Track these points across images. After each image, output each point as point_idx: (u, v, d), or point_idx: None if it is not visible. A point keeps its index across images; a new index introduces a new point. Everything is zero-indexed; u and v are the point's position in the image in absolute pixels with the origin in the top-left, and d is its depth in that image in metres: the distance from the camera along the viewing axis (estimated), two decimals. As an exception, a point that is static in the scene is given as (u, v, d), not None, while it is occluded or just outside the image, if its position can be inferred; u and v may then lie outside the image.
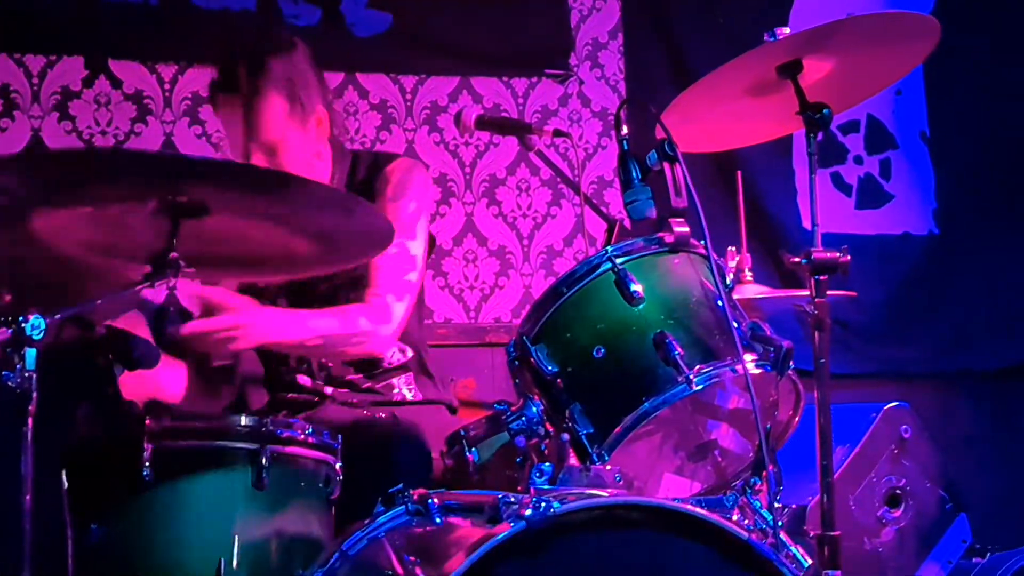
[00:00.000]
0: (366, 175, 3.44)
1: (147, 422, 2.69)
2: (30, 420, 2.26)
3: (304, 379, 3.41)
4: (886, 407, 4.10)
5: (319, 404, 3.36)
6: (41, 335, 2.28)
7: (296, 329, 3.15)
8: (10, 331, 2.26)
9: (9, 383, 2.26)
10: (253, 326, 3.01)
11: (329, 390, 3.40)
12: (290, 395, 3.40)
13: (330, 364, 3.40)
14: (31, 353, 2.26)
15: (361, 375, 3.41)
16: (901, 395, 4.23)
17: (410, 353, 3.46)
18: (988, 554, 4.26)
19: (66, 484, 2.58)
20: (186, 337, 2.87)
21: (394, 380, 3.45)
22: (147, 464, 2.67)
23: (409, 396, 3.45)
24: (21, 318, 2.26)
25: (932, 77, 4.87)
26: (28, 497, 2.27)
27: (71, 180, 2.44)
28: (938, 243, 4.91)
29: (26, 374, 2.26)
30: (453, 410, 3.47)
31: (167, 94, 4.23)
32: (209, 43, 4.21)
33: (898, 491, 4.07)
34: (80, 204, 2.46)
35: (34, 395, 2.26)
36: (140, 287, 2.50)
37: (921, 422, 4.13)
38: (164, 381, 3.26)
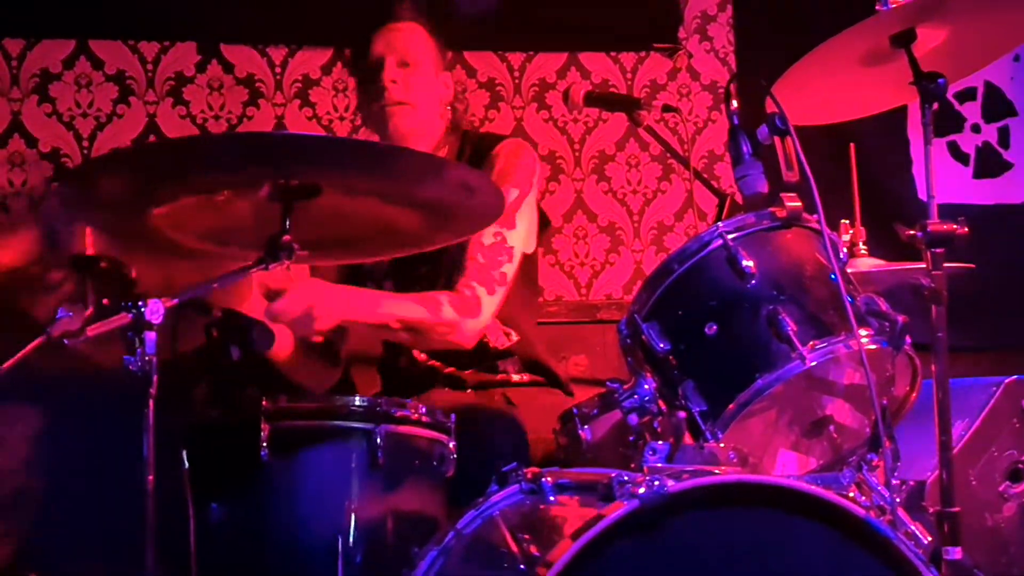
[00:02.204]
0: (472, 154, 3.47)
1: (264, 403, 2.74)
2: (151, 403, 2.31)
3: (421, 356, 3.44)
4: (1007, 380, 4.05)
5: (433, 387, 3.39)
6: (160, 319, 2.33)
7: (370, 309, 3.15)
8: (131, 315, 2.31)
9: (131, 367, 2.31)
10: (321, 304, 3.02)
11: (447, 370, 3.43)
12: (403, 374, 3.43)
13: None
14: (151, 337, 2.31)
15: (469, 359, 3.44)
16: (1023, 368, 4.18)
17: (515, 337, 3.47)
18: (1114, 530, 4.20)
19: (186, 465, 2.63)
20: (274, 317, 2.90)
21: (501, 363, 3.47)
22: (264, 444, 2.71)
23: (516, 379, 3.47)
24: (140, 303, 2.31)
25: (1053, 41, 4.79)
26: (151, 478, 2.31)
27: (186, 168, 2.48)
28: (1060, 211, 4.85)
29: (147, 358, 2.30)
30: (569, 392, 3.47)
31: (278, 77, 4.28)
32: (319, 25, 4.25)
33: (1020, 465, 4.02)
34: (195, 192, 2.50)
35: (154, 378, 2.31)
36: (253, 270, 2.54)
37: (1044, 395, 4.08)
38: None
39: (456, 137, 3.52)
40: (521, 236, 3.39)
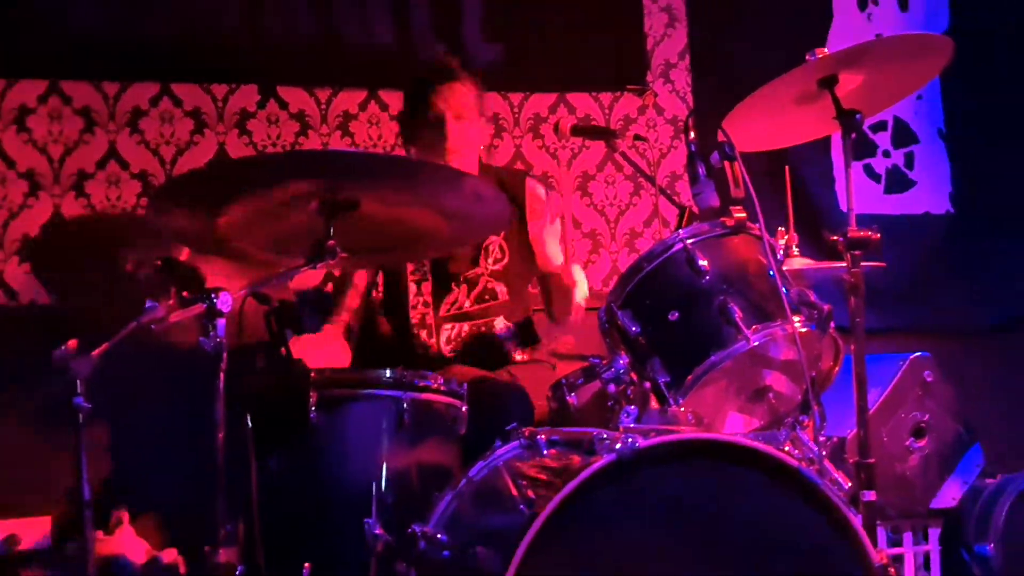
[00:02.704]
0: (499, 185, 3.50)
1: (312, 375, 2.74)
2: (221, 375, 2.31)
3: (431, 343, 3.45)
4: (912, 356, 4.05)
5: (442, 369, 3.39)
6: (228, 308, 2.32)
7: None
8: (204, 305, 2.30)
9: (205, 347, 2.31)
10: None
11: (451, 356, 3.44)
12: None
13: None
14: (221, 323, 2.31)
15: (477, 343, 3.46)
16: (924, 346, 4.17)
17: (512, 326, 3.50)
18: (998, 476, 4.19)
19: (250, 425, 2.62)
20: None
21: (508, 345, 3.48)
22: (313, 408, 2.71)
23: (519, 358, 3.48)
24: (212, 294, 2.31)
25: (947, 83, 4.78)
26: (220, 436, 2.31)
27: (248, 184, 2.47)
28: (953, 220, 4.83)
29: (218, 339, 2.30)
30: (552, 367, 3.48)
31: (323, 112, 4.26)
32: (356, 70, 4.24)
33: (922, 425, 4.02)
34: (256, 205, 2.50)
35: (224, 355, 2.31)
36: (304, 268, 2.54)
37: (941, 368, 4.07)
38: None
39: (481, 170, 3.52)
40: (553, 251, 3.56)
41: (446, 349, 3.43)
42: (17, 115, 3.88)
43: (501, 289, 3.47)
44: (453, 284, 3.44)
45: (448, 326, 3.44)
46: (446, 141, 3.38)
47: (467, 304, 3.44)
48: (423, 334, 3.44)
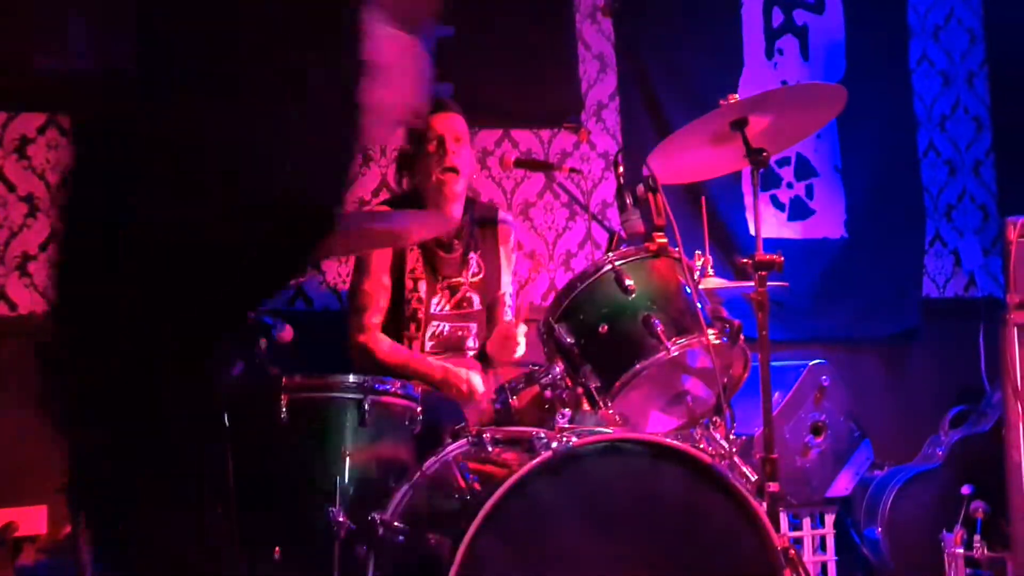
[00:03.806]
0: (478, 218, 3.56)
1: (283, 380, 2.72)
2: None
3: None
4: (811, 364, 4.10)
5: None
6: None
7: None
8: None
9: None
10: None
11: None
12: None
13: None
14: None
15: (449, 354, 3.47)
16: (822, 355, 4.23)
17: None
18: (886, 467, 4.25)
19: (227, 423, 2.60)
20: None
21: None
22: (284, 409, 2.70)
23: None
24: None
25: (843, 123, 4.83)
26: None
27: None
28: (848, 244, 4.88)
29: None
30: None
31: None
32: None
33: (820, 424, 4.07)
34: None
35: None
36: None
37: (837, 374, 4.12)
38: None
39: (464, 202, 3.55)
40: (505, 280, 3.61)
41: (428, 346, 3.44)
42: (18, 144, 3.82)
43: (476, 299, 3.50)
44: (438, 288, 3.45)
45: (434, 324, 3.45)
46: (446, 157, 3.38)
47: (448, 308, 3.46)
48: (412, 327, 3.44)
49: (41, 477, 3.37)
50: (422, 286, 3.43)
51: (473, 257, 3.52)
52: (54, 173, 3.85)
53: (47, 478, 3.34)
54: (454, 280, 3.48)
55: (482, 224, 3.56)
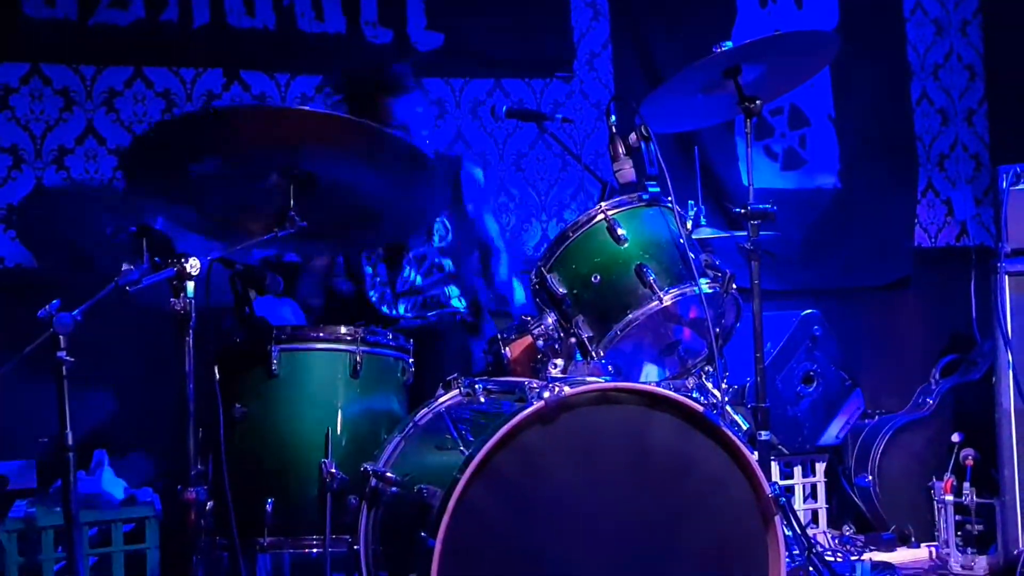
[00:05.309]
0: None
1: (274, 331, 2.71)
2: (191, 332, 2.28)
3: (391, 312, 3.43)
4: (802, 314, 4.10)
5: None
6: (197, 271, 2.29)
7: None
8: (174, 270, 2.27)
9: (176, 307, 2.27)
10: None
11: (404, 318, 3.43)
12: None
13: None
14: (191, 285, 2.27)
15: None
16: (814, 305, 4.22)
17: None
18: (877, 416, 4.27)
19: (218, 376, 2.59)
20: None
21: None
22: (275, 361, 2.69)
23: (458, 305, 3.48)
24: (182, 259, 2.27)
25: (836, 73, 4.79)
26: (191, 386, 2.29)
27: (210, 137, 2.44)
28: (840, 194, 4.86)
29: (187, 300, 2.27)
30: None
31: (283, 94, 4.18)
32: (311, 56, 4.16)
33: (811, 373, 4.08)
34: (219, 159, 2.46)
35: (192, 315, 2.28)
36: (267, 236, 2.50)
37: (828, 324, 4.12)
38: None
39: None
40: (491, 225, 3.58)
41: (408, 316, 3.42)
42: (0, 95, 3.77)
43: (448, 263, 3.47)
44: (404, 263, 3.42)
45: (404, 299, 3.43)
46: (392, 118, 3.34)
47: (419, 280, 3.43)
48: (384, 308, 3.42)
49: (30, 432, 3.38)
50: (382, 269, 3.44)
51: (437, 220, 3.50)
52: (38, 124, 3.80)
53: (36, 433, 3.38)
54: (417, 252, 3.48)
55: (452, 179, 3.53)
